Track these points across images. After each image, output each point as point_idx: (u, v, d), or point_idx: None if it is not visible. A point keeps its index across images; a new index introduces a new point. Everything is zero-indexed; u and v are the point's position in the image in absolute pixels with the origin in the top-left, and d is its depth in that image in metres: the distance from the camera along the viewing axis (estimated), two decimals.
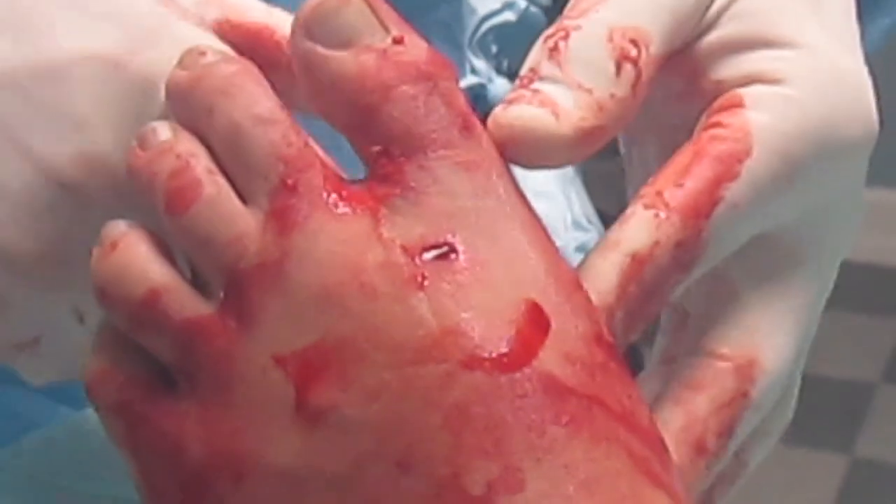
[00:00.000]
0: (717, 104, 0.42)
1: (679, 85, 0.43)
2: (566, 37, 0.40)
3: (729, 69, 0.42)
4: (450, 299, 0.37)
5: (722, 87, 0.42)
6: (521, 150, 0.39)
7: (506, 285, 0.38)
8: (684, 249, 0.40)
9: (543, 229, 0.40)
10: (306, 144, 0.39)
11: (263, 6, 0.43)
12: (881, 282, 2.61)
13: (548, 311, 0.38)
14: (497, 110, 0.40)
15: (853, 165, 0.43)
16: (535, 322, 0.38)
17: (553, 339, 0.37)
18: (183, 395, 0.39)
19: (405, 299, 0.37)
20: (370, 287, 0.37)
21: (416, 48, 0.39)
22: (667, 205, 0.40)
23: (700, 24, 0.42)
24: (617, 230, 0.40)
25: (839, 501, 2.10)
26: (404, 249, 0.38)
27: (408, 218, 0.38)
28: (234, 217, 0.39)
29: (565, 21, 0.41)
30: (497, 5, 0.65)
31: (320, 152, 0.40)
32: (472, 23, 0.63)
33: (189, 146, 0.40)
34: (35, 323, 0.42)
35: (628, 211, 0.40)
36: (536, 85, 0.40)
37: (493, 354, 0.37)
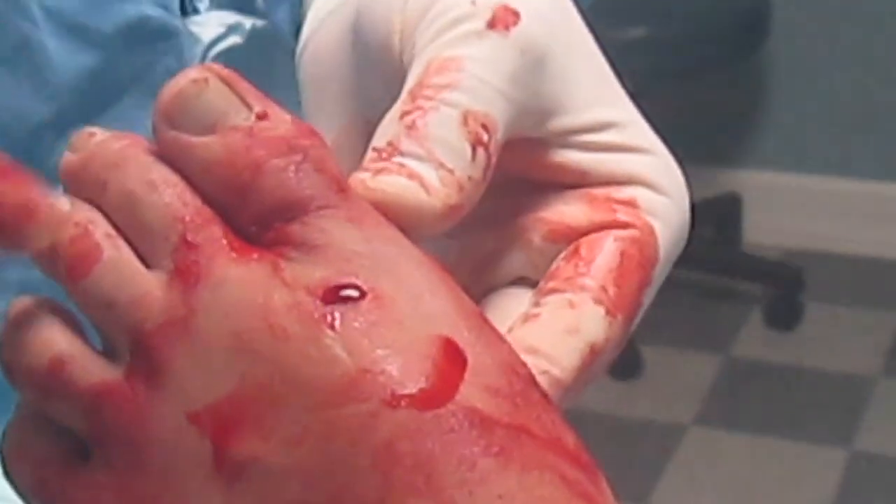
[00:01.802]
0: (601, 194, 0.44)
1: (506, 171, 0.44)
2: (423, 115, 0.41)
3: (598, 164, 0.44)
4: (363, 338, 0.37)
5: (587, 179, 0.44)
6: (390, 218, 0.40)
7: (416, 322, 0.38)
8: (619, 348, 0.43)
9: (442, 267, 0.40)
10: (202, 202, 0.39)
11: None
12: (880, 276, 2.61)
13: (462, 346, 0.38)
14: (363, 176, 0.40)
15: None
16: (451, 357, 0.37)
17: (471, 373, 0.37)
18: (97, 466, 0.38)
19: (318, 339, 0.37)
20: (280, 329, 0.37)
21: (282, 122, 0.39)
22: (614, 305, 0.42)
23: (538, 115, 0.44)
24: (570, 314, 0.42)
25: (839, 495, 2.10)
26: (309, 291, 0.37)
27: (305, 265, 0.38)
28: (137, 278, 0.39)
29: (419, 100, 0.41)
30: (221, 29, 0.65)
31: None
32: (196, 53, 0.64)
33: (87, 214, 0.40)
34: None
35: (574, 297, 0.42)
36: (399, 159, 0.41)
37: (415, 391, 0.36)
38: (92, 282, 0.39)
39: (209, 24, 0.65)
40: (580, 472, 0.38)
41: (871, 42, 2.61)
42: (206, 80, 0.39)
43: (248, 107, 0.39)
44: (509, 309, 0.44)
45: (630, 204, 0.44)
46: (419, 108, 0.41)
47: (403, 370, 0.37)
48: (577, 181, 0.44)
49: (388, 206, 0.40)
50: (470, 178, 0.41)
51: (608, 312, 0.42)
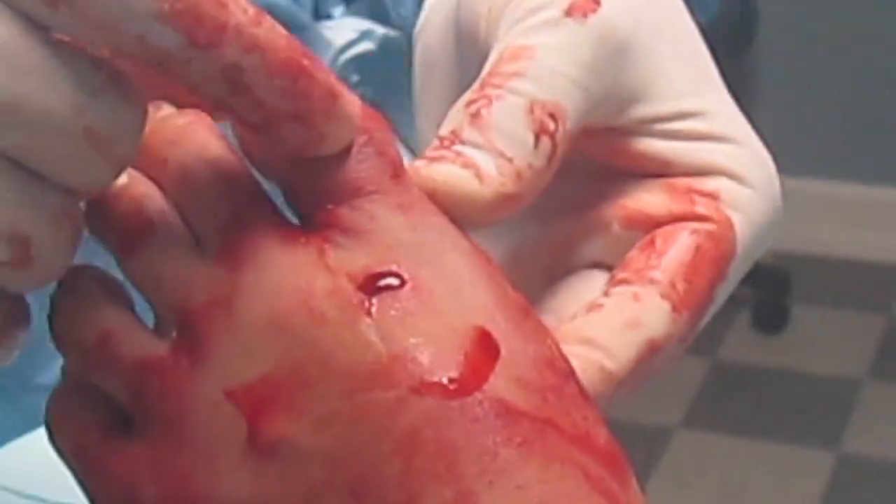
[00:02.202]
0: (682, 184, 0.44)
1: (590, 159, 0.44)
2: (488, 104, 0.41)
3: (681, 154, 0.44)
4: (398, 325, 0.37)
5: (671, 169, 0.44)
6: (440, 207, 0.40)
7: (453, 313, 0.38)
8: (684, 344, 0.43)
9: (488, 259, 0.40)
10: (255, 183, 0.40)
11: None
12: (867, 278, 2.62)
13: (497, 338, 0.38)
14: (419, 163, 0.41)
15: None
16: (484, 348, 0.38)
17: (503, 365, 0.38)
18: (136, 436, 0.39)
19: (353, 325, 0.37)
20: (319, 313, 0.37)
21: (352, 104, 0.39)
22: (681, 301, 0.42)
23: (619, 103, 0.43)
24: (633, 307, 0.42)
25: (826, 497, 2.11)
26: (350, 278, 0.38)
27: (350, 251, 0.38)
28: (186, 256, 0.39)
29: (487, 88, 0.42)
30: (353, 35, 0.65)
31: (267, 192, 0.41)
32: (328, 56, 0.63)
33: (144, 189, 0.40)
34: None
35: (640, 290, 0.42)
36: (458, 147, 0.41)
37: (443, 380, 0.37)
38: (142, 258, 0.39)
39: (342, 29, 0.65)
40: (605, 469, 0.38)
41: (859, 44, 2.61)
42: None
43: None
44: (583, 292, 0.44)
45: (711, 196, 0.43)
46: (485, 96, 0.42)
47: (434, 359, 0.37)
48: (660, 170, 0.44)
49: (438, 194, 0.40)
50: (531, 165, 0.41)
51: (674, 308, 0.42)
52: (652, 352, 0.42)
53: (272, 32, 0.37)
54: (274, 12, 0.62)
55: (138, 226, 0.40)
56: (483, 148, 0.41)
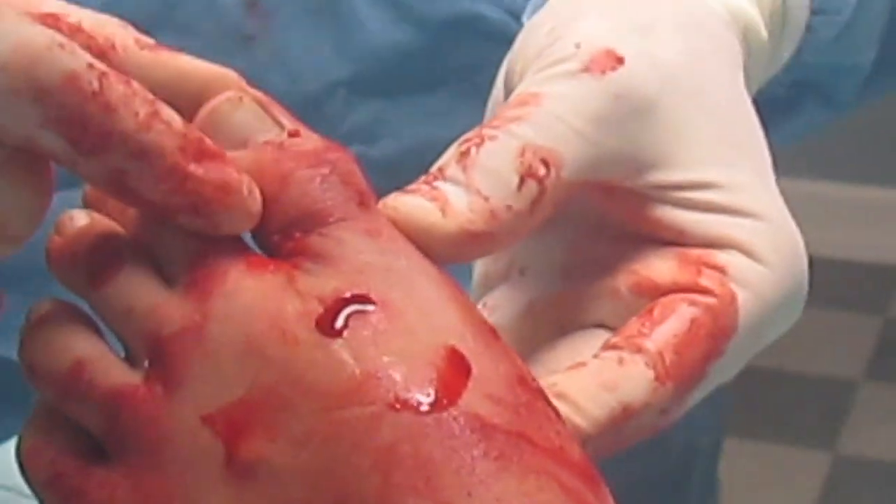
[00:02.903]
0: (693, 255, 0.43)
1: (614, 219, 0.44)
2: (480, 143, 0.41)
3: (696, 224, 0.43)
4: (370, 345, 0.38)
5: (684, 238, 0.43)
6: (406, 236, 0.40)
7: (424, 333, 0.38)
8: (666, 415, 0.42)
9: (455, 284, 0.40)
10: None
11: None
12: (863, 279, 2.62)
13: (468, 356, 0.38)
14: (390, 196, 0.41)
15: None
16: (456, 366, 0.38)
17: (475, 382, 0.38)
18: (114, 464, 0.39)
19: (326, 346, 0.38)
20: (291, 335, 0.38)
21: (312, 140, 0.40)
22: (667, 372, 0.41)
23: (637, 165, 0.43)
24: (614, 370, 0.41)
25: (822, 498, 2.11)
26: (320, 301, 0.38)
27: (319, 276, 0.39)
28: (155, 287, 0.40)
29: (485, 129, 0.42)
30: None
31: None
32: None
33: (107, 225, 0.41)
34: None
35: (626, 356, 0.41)
36: (438, 183, 0.41)
37: (418, 396, 0.37)
38: (110, 291, 0.40)
39: None
40: (581, 481, 0.38)
41: None
42: (240, 98, 0.40)
43: (280, 125, 0.40)
44: (580, 350, 0.43)
45: (719, 269, 0.43)
46: (480, 135, 0.42)
47: (408, 376, 0.37)
48: (675, 238, 0.43)
49: (399, 223, 0.40)
50: (510, 207, 0.41)
51: (657, 378, 0.41)
52: (626, 416, 0.41)
53: (163, 135, 0.37)
54: (482, 22, 0.62)
55: (105, 259, 0.40)
56: (461, 185, 0.41)
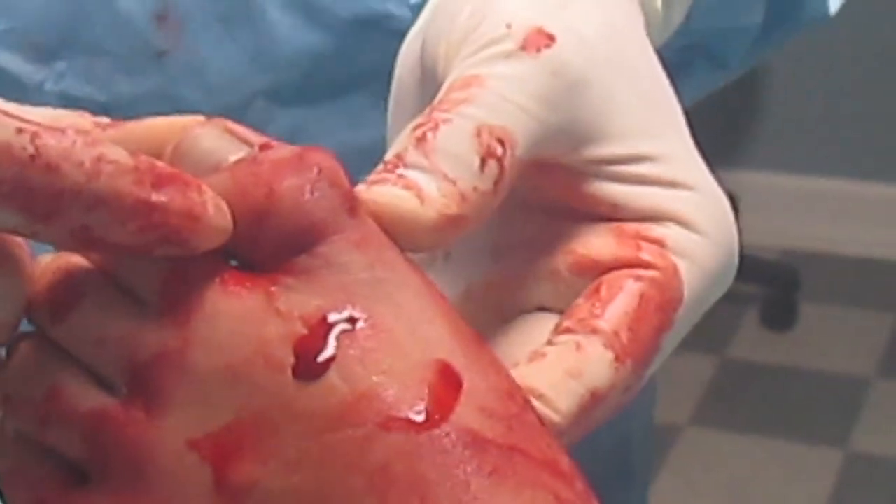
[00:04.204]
0: (630, 230, 0.43)
1: (546, 197, 0.44)
2: (435, 128, 0.41)
3: (630, 198, 0.43)
4: (358, 365, 0.37)
5: (620, 213, 0.43)
6: (384, 230, 0.40)
7: (413, 348, 0.38)
8: (629, 392, 0.42)
9: (440, 294, 0.40)
10: None
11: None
12: (876, 276, 2.62)
13: (458, 370, 0.38)
14: (360, 188, 0.40)
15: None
16: (447, 380, 0.38)
17: (467, 396, 0.38)
18: (95, 488, 0.39)
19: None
20: (276, 360, 0.37)
21: (286, 147, 0.39)
22: (625, 350, 0.41)
23: (573, 140, 0.43)
24: (575, 357, 0.41)
25: (835, 495, 2.11)
26: (304, 321, 0.37)
27: (302, 294, 0.38)
28: (125, 313, 0.39)
29: (435, 113, 0.42)
30: None
31: None
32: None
33: (68, 259, 0.40)
34: None
35: (583, 340, 0.42)
36: (401, 171, 0.41)
37: (409, 414, 0.37)
38: (79, 318, 0.39)
39: None
40: (574, 493, 0.38)
41: (868, 42, 2.61)
42: (200, 124, 0.39)
43: (248, 142, 0.39)
44: (530, 336, 0.43)
45: (658, 242, 0.43)
46: (432, 120, 0.41)
47: (398, 394, 0.37)
48: (610, 213, 0.43)
49: (381, 216, 0.40)
50: (476, 188, 0.41)
51: (617, 358, 0.41)
52: (595, 401, 0.41)
53: (114, 178, 0.36)
54: (390, 22, 0.61)
55: (65, 293, 0.39)
56: (426, 170, 0.41)
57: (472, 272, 0.45)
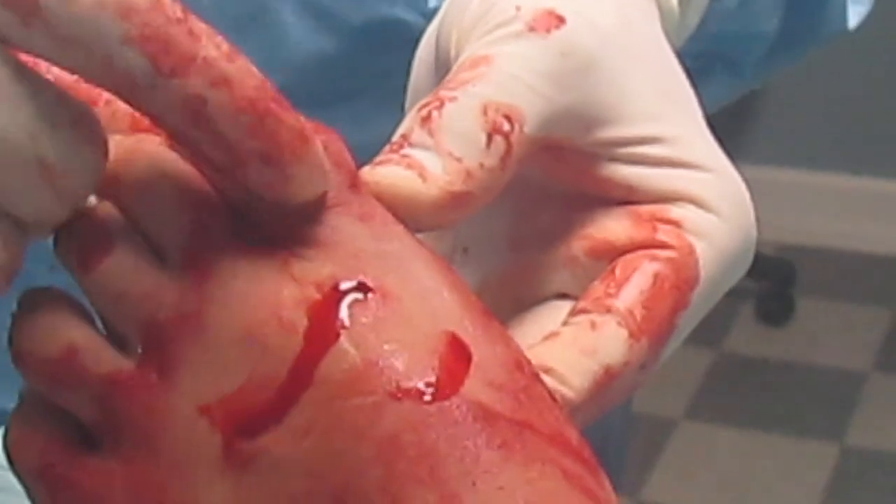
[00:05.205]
0: (646, 212, 0.43)
1: (561, 185, 0.44)
2: (440, 106, 0.41)
3: (645, 180, 0.43)
4: (370, 333, 0.37)
5: (635, 195, 0.43)
6: (388, 208, 0.40)
7: (423, 319, 0.38)
8: (645, 371, 0.42)
9: (448, 267, 0.40)
10: (213, 193, 0.39)
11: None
12: (872, 271, 2.62)
13: (467, 342, 0.38)
14: (364, 169, 0.41)
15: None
16: (457, 353, 0.38)
17: (476, 368, 0.38)
18: (106, 453, 0.39)
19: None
20: (289, 323, 0.37)
21: (321, 153, 0.38)
22: (639, 328, 0.42)
23: (585, 122, 0.43)
24: (590, 335, 0.42)
25: (830, 489, 2.11)
26: (317, 287, 0.38)
27: (314, 262, 0.38)
28: (148, 270, 0.39)
29: (441, 91, 0.42)
30: None
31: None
32: None
33: (100, 208, 0.40)
34: None
35: (597, 319, 0.42)
36: (406, 150, 0.41)
37: (420, 385, 0.37)
38: (101, 274, 0.39)
39: None
40: (582, 467, 0.38)
41: (868, 38, 2.61)
42: None
43: None
44: (547, 322, 0.43)
45: (674, 223, 0.43)
46: (438, 98, 0.42)
47: (409, 364, 0.37)
48: (624, 196, 0.43)
49: (383, 196, 0.40)
50: (482, 165, 0.41)
51: (631, 335, 0.42)
52: (609, 378, 0.41)
53: (244, 72, 0.36)
54: (400, 27, 0.62)
55: (96, 242, 0.39)
56: (431, 149, 0.41)
57: (490, 265, 0.45)
